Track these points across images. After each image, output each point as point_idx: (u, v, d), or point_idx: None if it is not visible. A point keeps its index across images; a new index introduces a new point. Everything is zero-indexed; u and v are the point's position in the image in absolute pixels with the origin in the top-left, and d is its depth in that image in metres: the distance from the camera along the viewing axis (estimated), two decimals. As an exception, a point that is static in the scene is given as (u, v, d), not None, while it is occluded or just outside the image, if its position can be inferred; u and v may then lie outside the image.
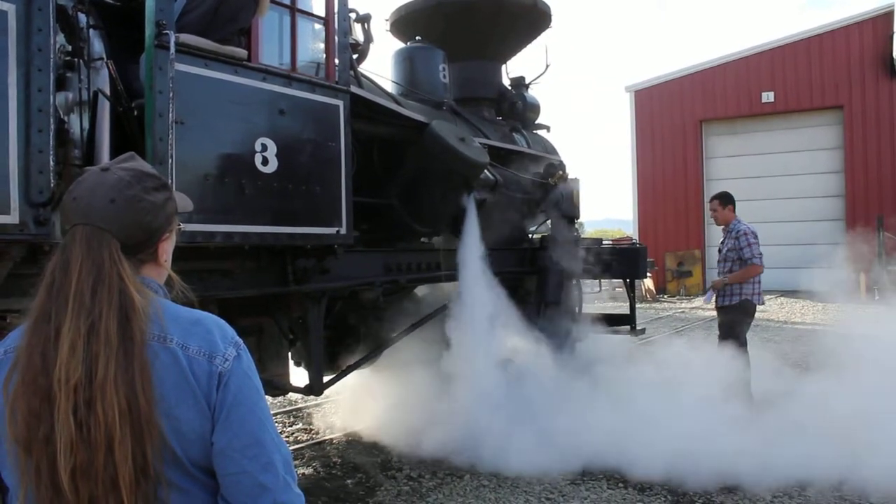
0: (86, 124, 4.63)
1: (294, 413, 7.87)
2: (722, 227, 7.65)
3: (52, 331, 1.40)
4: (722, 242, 7.60)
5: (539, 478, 5.61)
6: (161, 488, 1.40)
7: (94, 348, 1.38)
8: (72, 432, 1.35)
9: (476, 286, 6.61)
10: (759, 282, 7.37)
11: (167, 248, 1.65)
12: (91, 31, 4.73)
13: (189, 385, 1.45)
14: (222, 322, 1.59)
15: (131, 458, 1.36)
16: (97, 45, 4.71)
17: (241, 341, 1.58)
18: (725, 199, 7.56)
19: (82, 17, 4.71)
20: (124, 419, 1.36)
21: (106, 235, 1.47)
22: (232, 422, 1.47)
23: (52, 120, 3.72)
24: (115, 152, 4.50)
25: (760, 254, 7.25)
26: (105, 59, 4.61)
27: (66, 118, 4.77)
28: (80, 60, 4.70)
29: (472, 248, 6.71)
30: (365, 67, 6.84)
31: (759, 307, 7.58)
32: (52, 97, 3.71)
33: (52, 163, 3.68)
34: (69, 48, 4.76)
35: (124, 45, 4.73)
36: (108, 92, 4.54)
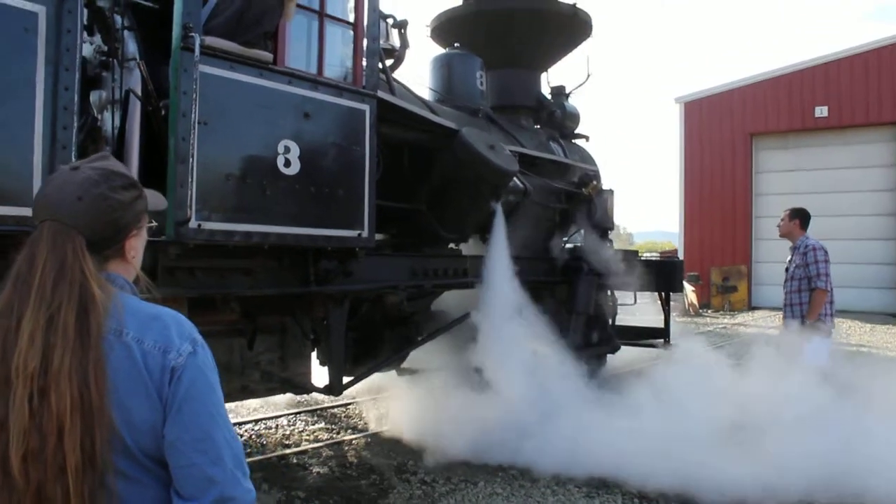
0: (117, 122, 4.77)
1: (318, 412, 7.96)
2: (790, 245, 7.29)
3: (14, 321, 1.46)
4: (789, 260, 7.18)
5: (558, 483, 5.61)
6: (108, 476, 1.45)
7: (51, 339, 1.44)
8: (25, 419, 1.41)
9: (502, 293, 6.61)
10: (832, 301, 6.92)
11: (135, 245, 1.69)
12: (126, 32, 4.87)
13: (141, 378, 1.50)
14: (182, 318, 1.63)
15: (79, 447, 1.41)
16: (131, 46, 4.84)
17: (199, 338, 1.61)
18: (795, 213, 7.14)
19: (118, 19, 4.85)
20: (75, 409, 1.41)
21: (71, 232, 1.52)
22: (183, 415, 1.52)
23: (76, 118, 3.82)
24: (143, 150, 4.63)
25: (828, 274, 6.79)
26: (137, 60, 4.74)
27: (99, 116, 4.93)
28: (115, 60, 4.84)
29: (499, 256, 6.72)
30: (404, 72, 6.93)
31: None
32: (76, 96, 3.81)
33: (74, 159, 3.78)
34: (105, 48, 4.92)
35: (159, 46, 4.83)
36: (139, 91, 4.67)
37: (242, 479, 1.57)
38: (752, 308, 23.06)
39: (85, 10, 4.73)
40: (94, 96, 4.84)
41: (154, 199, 1.82)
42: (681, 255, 24.63)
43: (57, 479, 1.40)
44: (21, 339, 1.44)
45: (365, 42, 5.42)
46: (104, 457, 1.43)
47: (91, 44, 4.92)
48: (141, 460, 1.52)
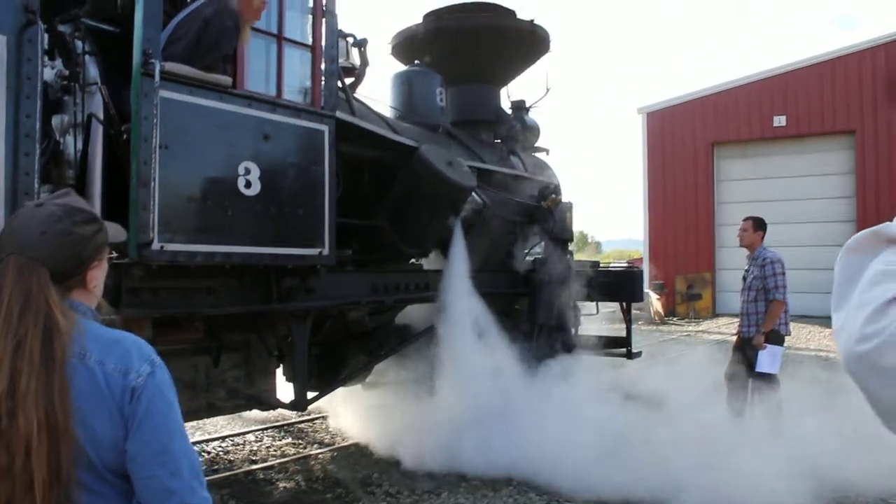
0: (80, 146, 4.85)
1: (285, 428, 8.04)
2: (747, 253, 7.43)
3: None
4: (747, 270, 7.39)
5: (520, 493, 5.76)
6: (73, 490, 1.56)
7: (18, 364, 1.55)
8: (-6, 439, 1.52)
9: (460, 307, 6.75)
10: (787, 311, 7.18)
11: (96, 276, 1.80)
12: (87, 56, 4.95)
13: (104, 398, 1.62)
14: (141, 342, 1.74)
15: (46, 464, 1.52)
16: (92, 70, 4.93)
17: (157, 360, 1.73)
18: (759, 224, 7.37)
19: (79, 44, 4.93)
20: (42, 429, 1.53)
21: (36, 265, 1.64)
22: (143, 431, 1.64)
23: (38, 145, 3.90)
24: (106, 174, 4.71)
25: (785, 286, 7.06)
26: (99, 84, 4.83)
27: (61, 140, 5.00)
28: (76, 85, 4.92)
29: (457, 270, 6.87)
30: (365, 90, 7.06)
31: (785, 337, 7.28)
32: (38, 123, 3.90)
33: (36, 185, 3.86)
34: (66, 72, 5.00)
35: (122, 70, 4.93)
36: (101, 116, 4.75)
37: (199, 488, 1.69)
38: (716, 315, 23.44)
39: (45, 36, 4.83)
40: (55, 120, 4.91)
41: (114, 231, 1.94)
42: (646, 264, 25.01)
43: (25, 494, 1.52)
44: (-11, 365, 1.55)
45: (323, 64, 5.56)
46: (69, 472, 1.55)
47: (52, 68, 4.99)
48: (104, 475, 1.63)
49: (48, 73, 4.96)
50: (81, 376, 1.61)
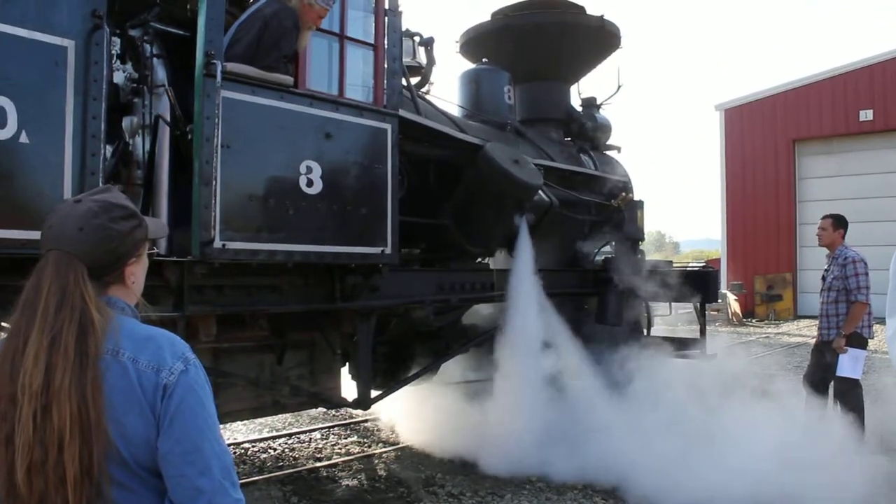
0: (148, 146, 4.96)
1: (351, 426, 8.08)
2: (826, 252, 7.20)
3: (21, 343, 1.59)
4: (826, 269, 7.15)
5: (585, 496, 5.65)
6: (105, 486, 1.56)
7: (53, 359, 1.56)
8: (30, 434, 1.53)
9: (526, 306, 6.66)
10: (870, 313, 6.88)
11: (135, 271, 1.80)
12: (155, 59, 5.06)
13: (136, 395, 1.62)
14: (175, 339, 1.73)
15: (78, 459, 1.53)
16: (160, 73, 5.03)
17: (191, 357, 1.71)
18: (839, 222, 7.09)
19: (148, 47, 5.05)
20: (75, 424, 1.53)
21: (74, 260, 1.65)
22: (174, 429, 1.63)
23: (103, 145, 3.99)
24: (174, 173, 4.80)
25: (868, 286, 6.77)
26: (166, 86, 4.92)
27: (130, 141, 5.12)
28: (145, 87, 5.04)
29: (523, 270, 6.77)
30: (436, 89, 7.04)
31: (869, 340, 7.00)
32: (103, 124, 3.98)
33: (101, 184, 3.94)
34: (136, 75, 5.12)
35: (190, 72, 5.01)
36: (167, 117, 4.85)
37: (231, 489, 1.66)
38: (797, 317, 22.69)
39: (117, 40, 4.95)
40: (126, 122, 5.03)
41: (155, 226, 1.94)
42: (724, 264, 24.40)
43: (57, 489, 1.52)
44: (27, 359, 1.57)
45: (386, 62, 5.55)
46: (101, 468, 1.55)
47: (123, 72, 5.12)
48: (136, 471, 1.63)
49: (119, 77, 5.10)
50: (114, 373, 1.61)
